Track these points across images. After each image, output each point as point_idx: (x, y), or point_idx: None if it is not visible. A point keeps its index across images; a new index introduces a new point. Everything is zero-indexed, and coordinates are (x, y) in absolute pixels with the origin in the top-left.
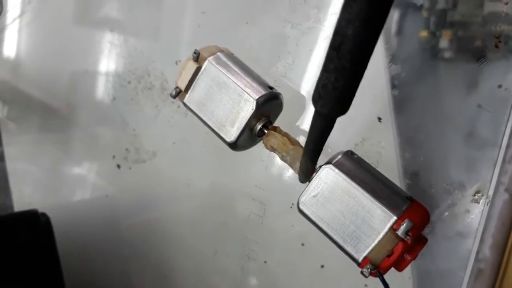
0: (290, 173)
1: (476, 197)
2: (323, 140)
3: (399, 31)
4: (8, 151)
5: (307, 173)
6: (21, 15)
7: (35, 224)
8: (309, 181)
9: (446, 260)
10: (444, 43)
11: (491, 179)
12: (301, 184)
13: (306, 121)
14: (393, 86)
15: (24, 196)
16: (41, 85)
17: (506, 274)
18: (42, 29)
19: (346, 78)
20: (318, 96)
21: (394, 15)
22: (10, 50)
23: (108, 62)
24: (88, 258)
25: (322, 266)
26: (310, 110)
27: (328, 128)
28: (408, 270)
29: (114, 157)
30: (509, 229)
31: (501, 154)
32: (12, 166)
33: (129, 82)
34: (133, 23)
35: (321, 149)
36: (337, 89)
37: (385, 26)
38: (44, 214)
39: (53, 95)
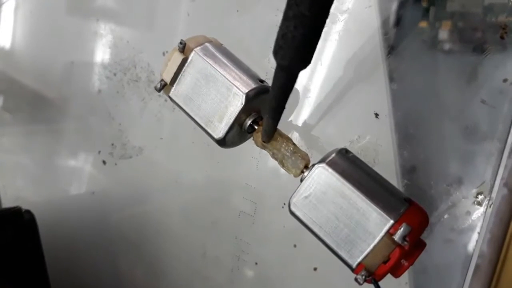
0: (282, 172)
1: (478, 199)
2: (285, 96)
3: (398, 21)
4: None
5: (269, 132)
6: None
7: (19, 221)
8: (301, 181)
9: (445, 263)
10: (443, 34)
11: (495, 180)
12: (293, 183)
13: (299, 117)
14: (392, 80)
15: (11, 191)
16: (33, 75)
17: (503, 269)
18: (34, 19)
19: (305, 26)
20: (278, 47)
21: (393, 5)
22: (2, 39)
23: (94, 53)
24: (76, 256)
25: (315, 269)
26: (304, 105)
27: (290, 83)
28: (404, 274)
29: (99, 152)
30: (507, 225)
31: (505, 153)
32: (0, 158)
33: (115, 74)
34: (119, 13)
35: (284, 107)
36: (296, 38)
37: (384, 16)
38: (28, 211)
39: (43, 86)
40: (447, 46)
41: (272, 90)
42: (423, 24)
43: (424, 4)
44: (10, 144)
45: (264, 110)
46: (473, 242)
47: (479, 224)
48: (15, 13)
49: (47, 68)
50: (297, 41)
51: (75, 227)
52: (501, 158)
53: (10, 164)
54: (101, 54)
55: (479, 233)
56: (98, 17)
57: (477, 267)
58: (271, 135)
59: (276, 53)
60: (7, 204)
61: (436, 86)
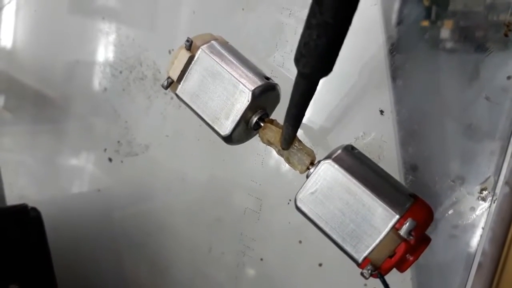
0: (287, 168)
1: (483, 194)
2: (306, 104)
3: (400, 20)
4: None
5: (288, 140)
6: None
7: (25, 219)
8: (307, 177)
9: (449, 258)
10: (445, 33)
11: (499, 175)
12: (299, 179)
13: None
14: (395, 77)
15: (15, 190)
16: (36, 74)
17: (505, 268)
18: (37, 18)
19: (328, 35)
20: (300, 55)
21: (394, 4)
22: (4, 39)
23: (99, 51)
24: (81, 253)
25: (320, 265)
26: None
27: (311, 91)
28: (409, 270)
29: (105, 150)
30: (509, 223)
31: (508, 151)
32: (3, 157)
33: (121, 72)
34: (125, 10)
35: (304, 114)
36: (319, 47)
37: (386, 15)
38: (34, 209)
39: (46, 85)
40: (449, 45)
41: (293, 97)
42: (425, 23)
43: (426, 3)
44: (14, 143)
45: (269, 108)
46: (477, 238)
47: (483, 220)
48: (18, 12)
49: (52, 67)
50: (320, 50)
51: (80, 225)
52: (504, 156)
53: (14, 163)
54: (107, 52)
55: (483, 228)
56: (103, 15)
57: (479, 265)
58: (290, 142)
59: (297, 61)
60: (11, 202)
61: (439, 84)
